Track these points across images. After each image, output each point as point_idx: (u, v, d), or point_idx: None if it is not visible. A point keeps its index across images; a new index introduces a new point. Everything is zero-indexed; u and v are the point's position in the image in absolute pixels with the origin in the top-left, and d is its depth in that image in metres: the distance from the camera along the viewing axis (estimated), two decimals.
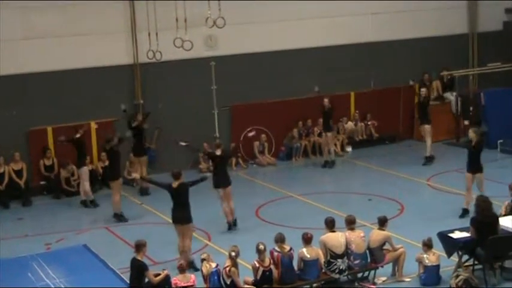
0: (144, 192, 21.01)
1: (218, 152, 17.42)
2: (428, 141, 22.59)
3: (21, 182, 20.99)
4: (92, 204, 20.30)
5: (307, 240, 13.80)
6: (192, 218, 15.35)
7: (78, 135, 20.46)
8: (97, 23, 22.09)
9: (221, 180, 17.30)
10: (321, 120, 23.88)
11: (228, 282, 13.17)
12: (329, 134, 22.98)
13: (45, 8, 21.52)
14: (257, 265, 13.36)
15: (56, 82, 21.77)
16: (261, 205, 19.02)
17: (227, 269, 13.17)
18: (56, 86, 21.81)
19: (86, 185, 20.33)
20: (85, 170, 20.37)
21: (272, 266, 13.45)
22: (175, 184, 15.25)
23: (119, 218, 18.87)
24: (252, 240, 13.87)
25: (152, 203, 19.89)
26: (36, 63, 21.44)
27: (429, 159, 22.60)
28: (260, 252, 13.39)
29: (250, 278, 13.48)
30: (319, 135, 24.25)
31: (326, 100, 22.63)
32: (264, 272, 13.35)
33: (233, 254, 13.27)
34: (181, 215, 15.26)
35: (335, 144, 24.54)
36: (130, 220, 19.01)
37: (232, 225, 17.52)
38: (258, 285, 13.37)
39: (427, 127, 22.64)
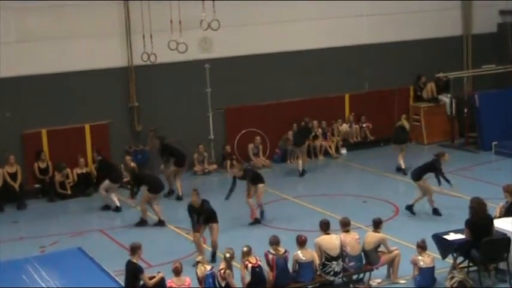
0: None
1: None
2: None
3: (16, 185, 20.93)
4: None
5: (301, 242, 13.81)
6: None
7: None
8: (91, 26, 22.04)
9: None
10: (315, 122, 24.04)
11: (223, 285, 13.18)
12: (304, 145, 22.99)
13: (39, 10, 21.48)
14: (246, 263, 13.39)
15: (51, 84, 21.72)
16: (256, 207, 18.96)
17: (222, 271, 13.18)
18: (50, 89, 21.77)
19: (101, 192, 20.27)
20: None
21: (260, 263, 13.48)
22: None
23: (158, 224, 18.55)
24: (247, 243, 13.85)
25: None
26: (30, 66, 21.39)
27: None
28: (244, 254, 13.43)
29: (247, 278, 13.47)
30: (315, 137, 24.29)
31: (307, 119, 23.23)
32: (253, 268, 13.37)
33: (228, 256, 13.29)
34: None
35: (329, 147, 24.59)
36: (125, 223, 18.99)
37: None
38: (253, 285, 13.37)
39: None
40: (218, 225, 15.88)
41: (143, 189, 18.64)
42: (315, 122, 24.32)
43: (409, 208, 18.32)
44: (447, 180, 18.14)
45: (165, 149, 21.01)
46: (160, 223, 18.33)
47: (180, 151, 21.04)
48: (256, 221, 18.30)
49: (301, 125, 23.53)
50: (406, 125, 23.53)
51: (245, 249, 13.52)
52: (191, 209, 15.89)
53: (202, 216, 15.72)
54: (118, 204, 19.99)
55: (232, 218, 18.30)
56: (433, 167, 18.29)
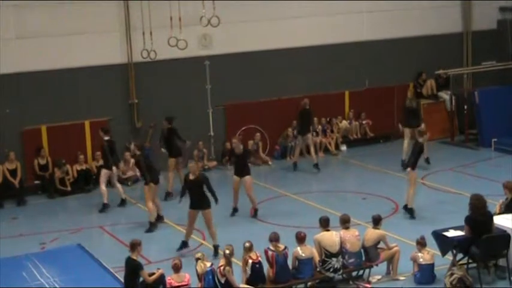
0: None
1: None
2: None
3: (16, 182, 20.93)
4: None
5: (300, 239, 13.83)
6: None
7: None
8: (91, 22, 22.03)
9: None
10: (315, 119, 24.05)
11: (223, 282, 13.19)
12: (308, 135, 22.72)
13: (39, 6, 21.45)
14: (247, 259, 13.42)
15: (50, 81, 21.72)
16: (255, 197, 18.95)
17: (221, 268, 13.19)
18: (50, 85, 21.76)
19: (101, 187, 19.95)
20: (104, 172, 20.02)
21: (261, 259, 13.51)
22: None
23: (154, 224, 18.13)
24: (246, 239, 13.84)
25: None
26: (29, 62, 21.38)
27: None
28: (246, 250, 13.47)
29: (246, 273, 13.48)
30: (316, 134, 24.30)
31: (306, 100, 22.56)
32: (253, 264, 13.40)
33: (227, 252, 13.30)
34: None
35: (329, 143, 24.60)
36: (125, 219, 19.00)
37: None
38: (252, 281, 13.40)
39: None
40: (210, 210, 15.90)
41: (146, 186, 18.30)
42: (315, 119, 24.30)
43: (408, 210, 18.16)
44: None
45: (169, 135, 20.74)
46: (160, 219, 18.30)
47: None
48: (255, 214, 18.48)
49: (301, 110, 22.74)
50: (414, 103, 23.20)
51: (247, 244, 13.54)
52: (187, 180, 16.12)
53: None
54: (123, 196, 19.80)
55: (231, 214, 18.36)
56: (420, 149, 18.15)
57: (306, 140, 22.63)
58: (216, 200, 16.12)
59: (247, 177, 18.28)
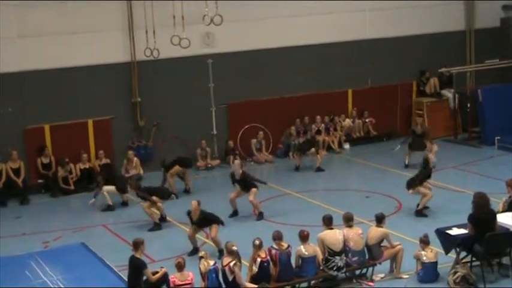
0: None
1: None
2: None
3: (19, 181, 20.95)
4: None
5: (303, 237, 13.82)
6: None
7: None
8: (94, 21, 22.04)
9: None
10: (318, 117, 24.11)
11: (230, 279, 13.13)
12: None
13: (42, 5, 21.46)
14: (256, 257, 13.41)
15: (53, 80, 21.74)
16: (259, 202, 18.97)
17: (231, 264, 13.12)
18: (52, 84, 21.78)
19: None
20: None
21: (269, 258, 13.51)
22: None
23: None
24: (250, 238, 13.87)
25: None
26: (32, 61, 21.40)
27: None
28: (256, 248, 13.44)
29: (253, 270, 13.48)
30: (318, 132, 24.30)
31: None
32: (262, 262, 13.40)
33: (235, 248, 13.26)
34: None
35: (332, 142, 24.60)
36: (128, 218, 19.00)
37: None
38: (257, 279, 13.39)
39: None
40: (217, 226, 15.82)
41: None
42: (318, 117, 24.32)
43: (418, 213, 18.10)
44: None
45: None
46: (163, 220, 18.30)
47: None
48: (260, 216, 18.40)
49: (306, 138, 23.29)
50: (421, 130, 23.03)
51: (257, 242, 13.51)
52: (189, 215, 15.97)
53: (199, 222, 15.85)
54: (125, 198, 19.95)
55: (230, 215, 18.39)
56: (426, 172, 18.17)
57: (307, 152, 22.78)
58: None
59: (253, 189, 18.26)
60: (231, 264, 13.14)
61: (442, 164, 22.03)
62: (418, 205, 17.87)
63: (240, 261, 13.32)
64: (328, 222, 14.18)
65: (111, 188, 19.76)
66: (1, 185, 20.89)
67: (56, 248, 16.82)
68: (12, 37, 21.21)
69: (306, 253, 13.76)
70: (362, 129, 25.58)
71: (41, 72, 21.53)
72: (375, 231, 14.53)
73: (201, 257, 13.50)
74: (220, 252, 15.54)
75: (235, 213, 18.45)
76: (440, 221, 16.09)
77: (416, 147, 22.31)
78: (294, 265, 13.82)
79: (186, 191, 20.59)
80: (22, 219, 19.64)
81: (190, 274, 13.44)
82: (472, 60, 26.70)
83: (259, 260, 13.42)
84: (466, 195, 17.35)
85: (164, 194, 18.53)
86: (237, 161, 19.02)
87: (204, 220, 15.78)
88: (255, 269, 13.44)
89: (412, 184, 17.92)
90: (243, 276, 13.34)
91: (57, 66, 21.72)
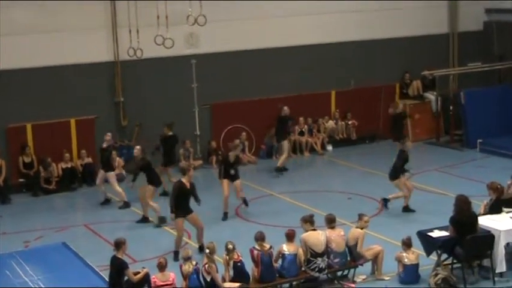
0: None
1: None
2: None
3: (0, 180, 20.82)
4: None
5: (289, 236, 13.81)
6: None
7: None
8: (77, 20, 21.95)
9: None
10: (301, 118, 24.10)
11: (208, 279, 13.16)
12: (285, 142, 22.61)
13: (25, 3, 21.34)
14: (227, 259, 13.46)
15: (36, 79, 21.62)
16: (241, 203, 18.98)
17: (206, 265, 13.17)
18: (35, 83, 21.66)
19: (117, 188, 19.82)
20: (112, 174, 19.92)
21: (242, 258, 13.53)
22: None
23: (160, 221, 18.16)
24: (232, 239, 13.87)
25: (132, 201, 19.69)
26: (15, 60, 21.23)
27: None
28: (229, 252, 13.48)
29: (230, 273, 13.48)
30: (300, 133, 24.34)
31: (285, 108, 22.46)
32: (235, 263, 13.43)
33: (207, 251, 13.32)
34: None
35: (315, 143, 24.62)
36: (110, 218, 18.93)
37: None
38: (235, 280, 13.40)
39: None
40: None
41: (142, 187, 18.31)
42: (301, 119, 24.36)
43: (405, 209, 18.27)
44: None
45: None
46: (146, 219, 18.24)
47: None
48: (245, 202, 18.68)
49: (279, 117, 22.67)
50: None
51: (230, 246, 13.53)
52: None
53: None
54: (125, 199, 19.56)
55: (217, 212, 18.32)
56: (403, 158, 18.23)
57: (284, 146, 22.54)
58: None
59: (238, 181, 18.42)
60: (206, 265, 13.20)
61: (424, 167, 22.12)
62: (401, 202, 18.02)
63: (214, 262, 13.31)
64: (309, 219, 14.14)
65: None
66: None
67: (37, 248, 16.72)
68: None
69: (286, 250, 13.74)
70: (345, 131, 25.61)
71: (23, 70, 21.40)
72: (353, 232, 14.57)
73: (188, 258, 13.43)
74: (200, 248, 15.57)
75: (226, 216, 18.36)
76: (422, 223, 16.12)
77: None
78: (273, 261, 13.77)
79: (165, 194, 20.01)
80: (3, 218, 19.48)
81: (171, 275, 13.44)
82: (455, 63, 26.83)
83: (232, 262, 13.45)
84: (448, 197, 17.41)
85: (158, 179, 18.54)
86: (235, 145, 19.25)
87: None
88: (231, 271, 13.45)
89: (395, 175, 18.07)
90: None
91: (40, 65, 21.59)
